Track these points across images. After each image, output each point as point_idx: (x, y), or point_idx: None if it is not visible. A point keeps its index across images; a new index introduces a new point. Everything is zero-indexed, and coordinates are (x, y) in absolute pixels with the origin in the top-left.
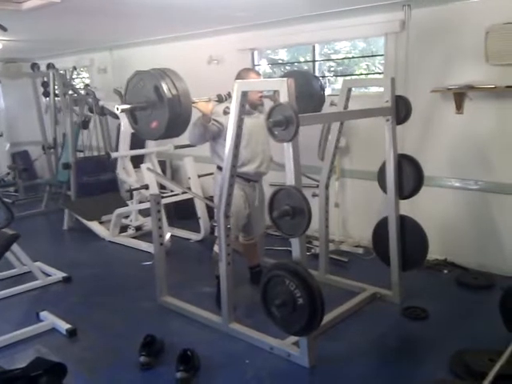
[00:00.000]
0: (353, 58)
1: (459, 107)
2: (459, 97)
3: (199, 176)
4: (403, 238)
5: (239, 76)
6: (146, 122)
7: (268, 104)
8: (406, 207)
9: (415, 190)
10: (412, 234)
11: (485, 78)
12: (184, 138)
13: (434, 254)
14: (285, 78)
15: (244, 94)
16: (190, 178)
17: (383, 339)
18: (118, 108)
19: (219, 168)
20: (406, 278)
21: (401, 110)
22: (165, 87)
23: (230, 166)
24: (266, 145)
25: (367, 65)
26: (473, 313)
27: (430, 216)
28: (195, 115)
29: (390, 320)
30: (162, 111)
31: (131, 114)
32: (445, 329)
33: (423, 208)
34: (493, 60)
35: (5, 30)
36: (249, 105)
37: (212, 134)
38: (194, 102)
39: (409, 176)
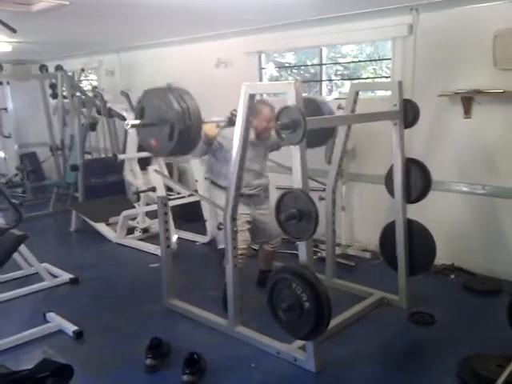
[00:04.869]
0: (360, 61)
1: (467, 112)
2: (467, 101)
3: (206, 178)
4: (411, 242)
5: None
6: (149, 135)
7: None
8: (414, 211)
9: (423, 194)
10: (419, 239)
11: (493, 83)
12: None
13: (441, 259)
14: (292, 81)
15: (251, 97)
16: (197, 181)
17: (390, 344)
18: (128, 124)
19: (214, 183)
20: (413, 283)
21: (408, 114)
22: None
23: (237, 169)
24: (262, 170)
25: (374, 69)
26: (480, 318)
27: (438, 220)
28: None
29: (397, 325)
30: (168, 143)
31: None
32: (452, 334)
33: (431, 212)
34: (501, 64)
35: (14, 31)
36: (256, 134)
37: (212, 151)
38: (203, 122)
39: (416, 180)
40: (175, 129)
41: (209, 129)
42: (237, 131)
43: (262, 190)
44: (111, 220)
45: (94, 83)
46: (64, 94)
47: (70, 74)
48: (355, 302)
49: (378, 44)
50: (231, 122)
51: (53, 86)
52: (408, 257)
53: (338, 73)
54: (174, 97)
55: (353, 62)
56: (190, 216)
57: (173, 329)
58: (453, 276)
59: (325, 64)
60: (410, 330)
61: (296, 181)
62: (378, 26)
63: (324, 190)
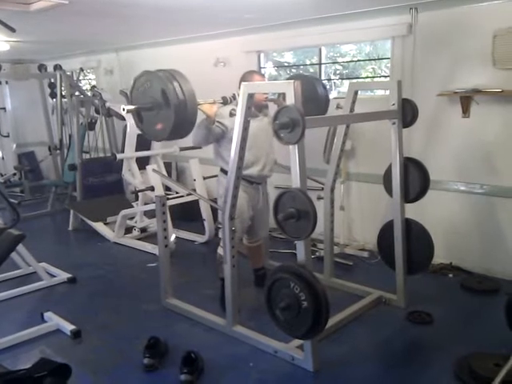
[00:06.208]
0: (359, 61)
1: (466, 111)
2: (466, 100)
3: (204, 178)
4: (408, 241)
5: (243, 78)
6: (152, 122)
7: (273, 107)
8: (412, 211)
9: (421, 194)
10: (417, 238)
11: (492, 82)
12: (189, 140)
13: (439, 258)
14: (291, 81)
15: (251, 97)
16: (195, 180)
17: (388, 343)
18: (123, 108)
19: (223, 171)
20: (411, 282)
21: (407, 113)
22: (172, 92)
23: (235, 168)
24: (269, 148)
25: (373, 68)
26: (478, 317)
27: (436, 220)
28: (199, 116)
29: (395, 324)
30: (168, 115)
31: (137, 113)
32: (450, 333)
33: (429, 211)
34: (500, 64)
35: (13, 31)
36: (254, 107)
37: (216, 136)
38: (199, 104)
39: (414, 179)
40: (168, 92)
41: (207, 108)
42: (236, 131)
43: (269, 170)
44: (109, 219)
45: (93, 82)
46: (63, 93)
47: (68, 73)
48: (353, 301)
49: (377, 43)
50: (225, 100)
51: (51, 86)
52: (406, 256)
53: (337, 72)
54: (159, 71)
55: (352, 61)
56: (188, 215)
57: (170, 328)
58: (451, 275)
59: (324, 63)
60: (408, 329)
61: (294, 180)
62: (377, 25)
63: (322, 189)
